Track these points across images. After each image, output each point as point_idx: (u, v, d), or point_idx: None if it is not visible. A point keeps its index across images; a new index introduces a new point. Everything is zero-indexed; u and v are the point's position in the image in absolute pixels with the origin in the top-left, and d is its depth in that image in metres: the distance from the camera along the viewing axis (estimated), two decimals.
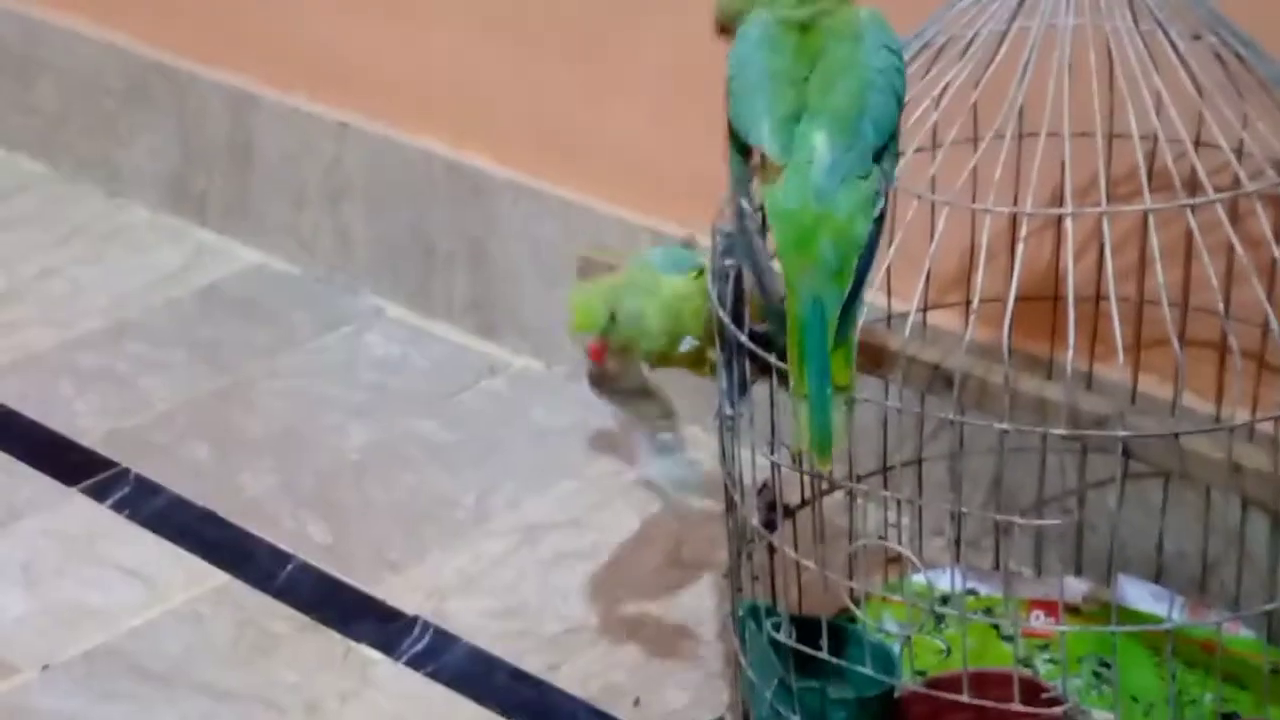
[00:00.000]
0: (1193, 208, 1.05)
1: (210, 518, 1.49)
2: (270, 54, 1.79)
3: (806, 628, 1.15)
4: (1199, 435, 1.08)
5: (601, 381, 1.21)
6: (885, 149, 1.05)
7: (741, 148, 1.07)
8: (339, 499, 1.51)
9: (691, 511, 1.29)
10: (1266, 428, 1.19)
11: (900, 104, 1.05)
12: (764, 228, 1.07)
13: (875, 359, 1.16)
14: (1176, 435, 1.05)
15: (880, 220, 1.04)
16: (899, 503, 1.27)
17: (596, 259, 1.34)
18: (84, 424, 1.60)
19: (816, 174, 1.03)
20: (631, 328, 1.17)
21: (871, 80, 1.04)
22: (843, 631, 1.16)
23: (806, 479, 1.24)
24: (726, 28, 1.10)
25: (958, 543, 1.32)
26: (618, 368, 1.20)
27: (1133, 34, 1.08)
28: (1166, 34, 1.09)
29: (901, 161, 1.11)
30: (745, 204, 1.06)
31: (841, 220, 1.03)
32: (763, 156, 1.05)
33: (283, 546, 1.45)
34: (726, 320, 1.12)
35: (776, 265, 1.06)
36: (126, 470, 1.54)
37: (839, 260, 1.02)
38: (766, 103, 1.04)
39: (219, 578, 1.43)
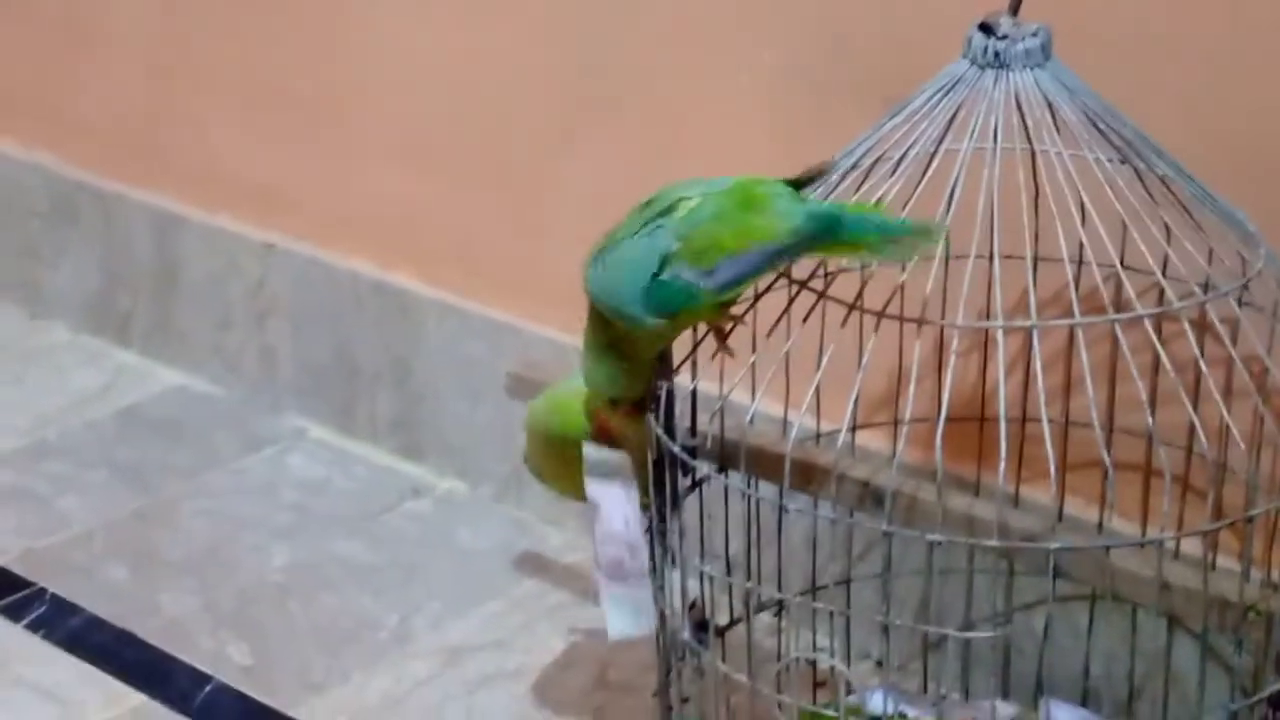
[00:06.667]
0: (1120, 324, 1.06)
1: (128, 638, 1.47)
2: (196, 175, 1.79)
3: None
4: (1128, 553, 1.08)
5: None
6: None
7: None
8: (260, 620, 1.49)
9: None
10: (1191, 550, 1.21)
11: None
12: None
13: (805, 475, 1.16)
14: (1107, 549, 1.06)
15: None
16: (830, 619, 1.27)
17: (526, 376, 1.34)
18: (0, 543, 1.58)
19: None
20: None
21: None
22: None
23: (737, 598, 1.24)
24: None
25: (885, 660, 1.32)
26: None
27: (1060, 157, 1.10)
28: (1092, 157, 1.10)
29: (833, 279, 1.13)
30: None
31: None
32: None
33: (202, 667, 1.43)
34: (659, 432, 1.13)
35: None
36: (43, 590, 1.52)
37: None
38: None
39: (136, 699, 1.40)
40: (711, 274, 1.06)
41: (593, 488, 1.17)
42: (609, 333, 1.12)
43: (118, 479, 1.67)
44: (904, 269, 1.07)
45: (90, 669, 1.43)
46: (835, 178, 1.13)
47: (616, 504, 1.17)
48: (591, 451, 1.17)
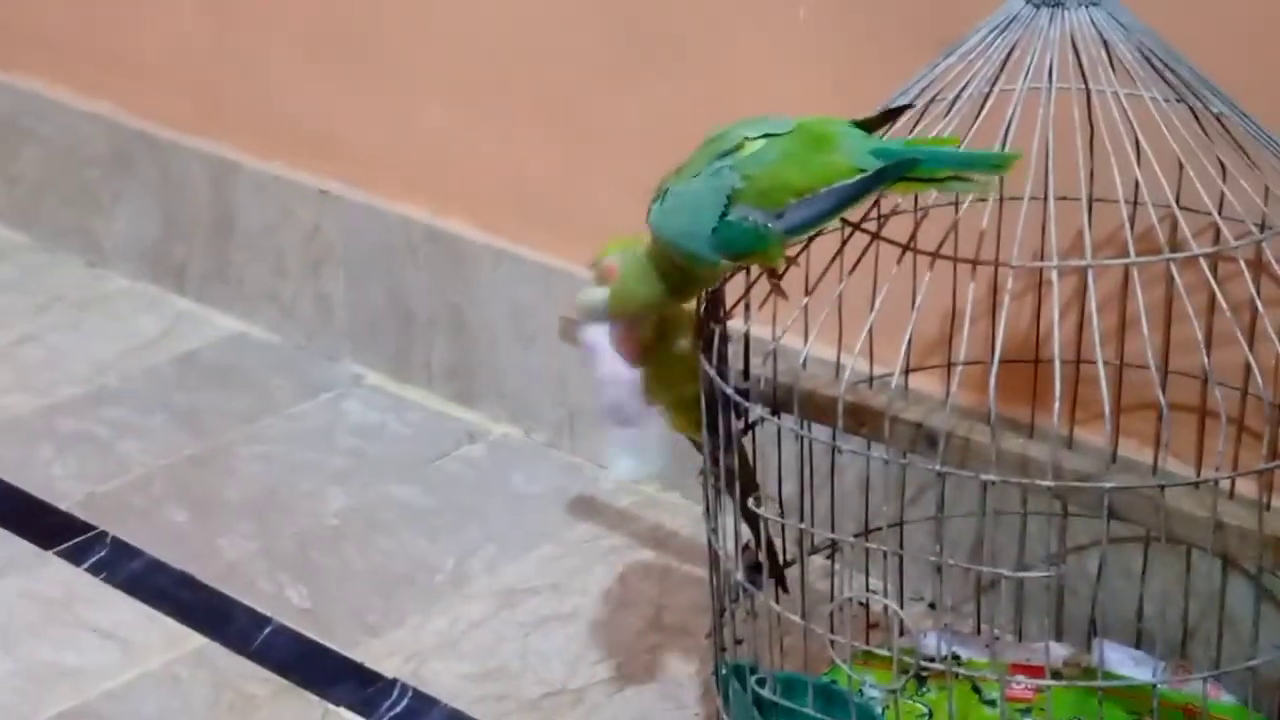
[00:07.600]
0: (1176, 263, 1.05)
1: (188, 581, 1.48)
2: (251, 123, 1.80)
3: (789, 689, 1.15)
4: (1182, 493, 1.08)
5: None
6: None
7: None
8: (317, 563, 1.50)
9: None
10: (1246, 490, 1.20)
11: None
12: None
13: (858, 418, 1.16)
14: (1162, 488, 1.05)
15: None
16: (884, 558, 1.27)
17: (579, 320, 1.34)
18: (62, 487, 1.60)
19: None
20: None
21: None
22: (827, 691, 1.16)
23: (789, 540, 1.25)
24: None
25: (938, 602, 1.32)
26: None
27: (1116, 96, 1.09)
28: (1147, 96, 1.10)
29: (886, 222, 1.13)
30: None
31: None
32: None
33: (261, 609, 1.45)
34: (713, 374, 1.13)
35: None
36: (104, 533, 1.54)
37: None
38: None
39: (196, 640, 1.42)
40: (781, 216, 1.05)
41: (589, 332, 1.19)
42: (666, 262, 1.12)
43: (176, 424, 1.69)
44: (997, 200, 1.06)
45: (151, 611, 1.45)
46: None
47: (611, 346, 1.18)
48: (583, 296, 1.17)
